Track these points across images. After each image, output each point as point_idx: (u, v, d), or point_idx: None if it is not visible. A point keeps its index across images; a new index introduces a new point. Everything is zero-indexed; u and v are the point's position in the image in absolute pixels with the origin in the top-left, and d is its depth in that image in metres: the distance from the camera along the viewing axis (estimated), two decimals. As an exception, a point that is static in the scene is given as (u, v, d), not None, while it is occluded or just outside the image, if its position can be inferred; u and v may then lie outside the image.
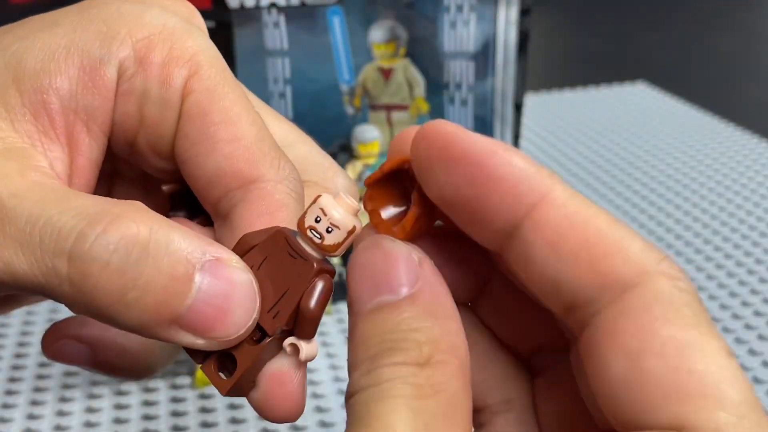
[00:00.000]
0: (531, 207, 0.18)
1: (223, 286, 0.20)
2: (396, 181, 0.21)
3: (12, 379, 0.49)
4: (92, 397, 0.48)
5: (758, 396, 0.46)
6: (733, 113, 0.89)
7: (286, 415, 0.22)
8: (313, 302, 0.21)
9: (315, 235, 0.20)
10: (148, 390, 0.49)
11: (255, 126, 0.23)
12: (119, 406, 0.47)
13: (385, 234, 0.21)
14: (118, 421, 0.46)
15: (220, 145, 0.23)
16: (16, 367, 0.51)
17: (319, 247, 0.21)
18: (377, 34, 0.49)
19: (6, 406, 0.47)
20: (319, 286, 0.21)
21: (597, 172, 0.77)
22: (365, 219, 0.21)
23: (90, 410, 0.47)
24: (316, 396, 0.48)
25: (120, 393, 0.48)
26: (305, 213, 0.21)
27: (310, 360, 0.22)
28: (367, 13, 0.48)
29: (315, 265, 0.21)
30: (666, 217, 0.68)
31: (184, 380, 0.49)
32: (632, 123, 0.88)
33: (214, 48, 0.24)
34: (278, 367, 0.22)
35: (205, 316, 0.20)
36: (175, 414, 0.46)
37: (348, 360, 0.19)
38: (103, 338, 0.25)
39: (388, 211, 0.21)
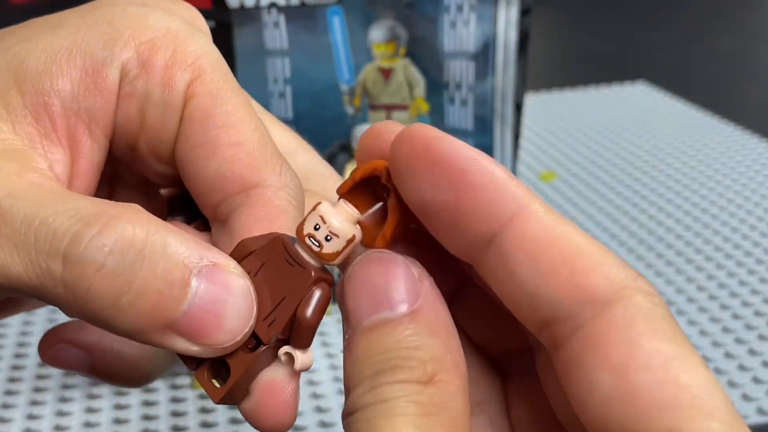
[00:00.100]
0: (510, 218, 0.18)
1: (219, 292, 0.20)
2: (367, 187, 0.21)
3: (12, 380, 0.49)
4: (92, 397, 0.48)
5: (758, 396, 0.46)
6: (733, 113, 0.89)
7: (277, 425, 0.22)
8: (309, 311, 0.20)
9: (314, 243, 0.20)
10: (147, 390, 0.49)
11: (257, 131, 0.23)
12: (119, 407, 0.47)
13: (366, 243, 0.20)
14: (118, 421, 0.46)
15: (221, 149, 0.22)
16: (15, 368, 0.51)
17: (317, 255, 0.20)
18: (377, 33, 0.49)
19: (6, 406, 0.47)
20: (317, 294, 0.20)
21: (597, 172, 0.77)
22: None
23: (90, 410, 0.47)
24: (316, 396, 0.48)
25: (120, 393, 0.48)
26: (304, 220, 0.20)
27: (305, 370, 0.21)
28: (367, 13, 0.48)
29: (313, 273, 0.20)
30: (666, 217, 0.68)
31: (184, 380, 0.49)
32: (632, 123, 0.88)
33: (217, 52, 0.24)
34: (272, 377, 0.21)
35: (200, 322, 0.20)
36: (175, 414, 0.46)
37: (345, 376, 0.19)
38: (101, 344, 0.25)
39: (363, 218, 0.21)
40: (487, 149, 0.51)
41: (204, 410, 0.47)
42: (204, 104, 0.23)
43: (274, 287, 0.21)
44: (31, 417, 0.46)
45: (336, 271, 0.21)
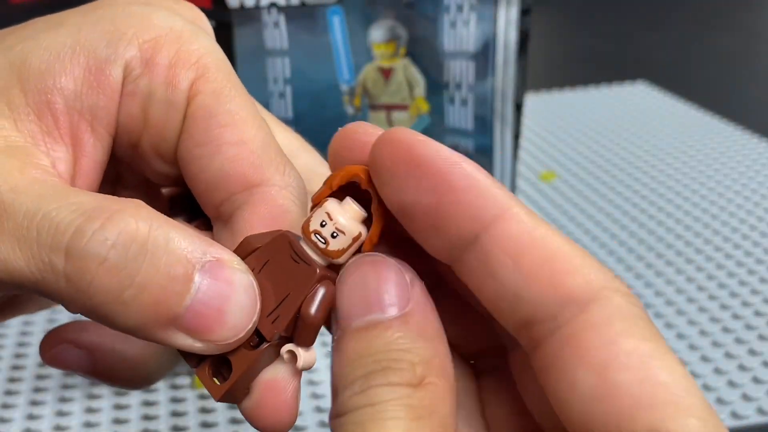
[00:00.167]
0: (491, 220, 0.19)
1: (223, 288, 0.20)
2: (342, 192, 0.21)
3: (12, 380, 0.49)
4: (92, 397, 0.48)
5: (758, 396, 0.46)
6: (733, 113, 0.89)
7: (278, 425, 0.21)
8: (314, 308, 0.20)
9: (320, 240, 0.20)
10: (148, 390, 0.49)
11: (261, 130, 0.23)
12: (119, 407, 0.47)
13: None
14: (118, 421, 0.46)
15: (225, 148, 0.22)
16: (15, 367, 0.50)
17: (323, 252, 0.20)
18: (377, 33, 0.49)
19: (6, 406, 0.47)
20: (321, 292, 0.20)
21: (597, 172, 0.77)
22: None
23: (90, 410, 0.47)
24: (316, 396, 0.48)
25: (120, 393, 0.48)
26: (310, 217, 0.20)
27: (308, 369, 0.21)
28: (367, 13, 0.48)
29: (318, 270, 0.20)
30: (666, 217, 0.68)
31: (184, 380, 0.49)
32: (632, 123, 0.88)
33: (220, 51, 0.24)
34: (273, 375, 0.21)
35: (203, 318, 0.20)
36: (175, 414, 0.46)
37: (334, 377, 0.19)
38: (102, 344, 0.25)
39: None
40: (487, 149, 0.51)
41: (204, 410, 0.47)
42: (207, 103, 0.23)
43: (278, 284, 0.21)
44: (31, 417, 0.46)
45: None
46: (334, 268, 0.21)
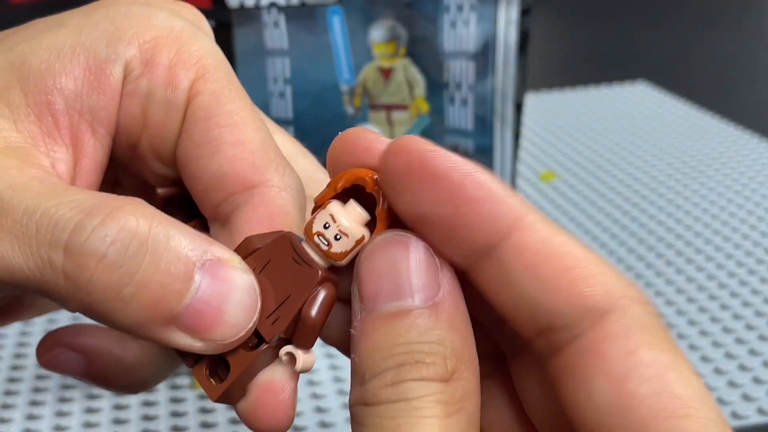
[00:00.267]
0: (508, 230, 0.18)
1: (223, 287, 0.20)
2: (345, 195, 0.21)
3: (12, 380, 0.49)
4: (92, 397, 0.48)
5: (758, 396, 0.46)
6: (733, 113, 0.89)
7: (274, 426, 0.21)
8: (314, 310, 0.20)
9: (322, 242, 0.20)
10: (147, 390, 0.49)
11: (261, 131, 0.23)
12: (119, 407, 0.47)
13: None
14: (118, 421, 0.46)
15: (224, 148, 0.22)
16: (15, 368, 0.50)
17: (325, 254, 0.20)
18: (377, 33, 0.49)
19: (6, 406, 0.47)
20: (322, 294, 0.20)
21: (597, 171, 0.77)
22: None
23: (89, 410, 0.47)
24: (316, 396, 0.48)
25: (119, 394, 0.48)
26: (313, 218, 0.20)
27: (306, 371, 0.21)
28: (367, 13, 0.48)
29: (320, 272, 0.20)
30: (666, 217, 0.68)
31: (184, 380, 0.49)
32: (632, 123, 0.88)
33: (220, 53, 0.24)
34: (271, 376, 0.21)
35: (203, 317, 0.20)
36: (175, 414, 0.46)
37: (358, 360, 0.19)
38: (98, 348, 0.25)
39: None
40: (487, 149, 0.51)
41: (204, 410, 0.47)
42: (207, 103, 0.23)
43: (278, 285, 0.21)
44: (31, 417, 0.46)
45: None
46: (335, 271, 0.21)
